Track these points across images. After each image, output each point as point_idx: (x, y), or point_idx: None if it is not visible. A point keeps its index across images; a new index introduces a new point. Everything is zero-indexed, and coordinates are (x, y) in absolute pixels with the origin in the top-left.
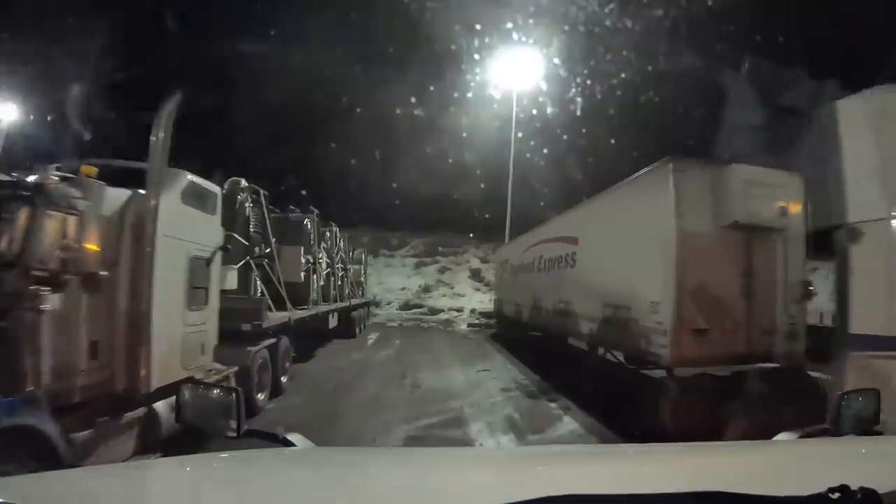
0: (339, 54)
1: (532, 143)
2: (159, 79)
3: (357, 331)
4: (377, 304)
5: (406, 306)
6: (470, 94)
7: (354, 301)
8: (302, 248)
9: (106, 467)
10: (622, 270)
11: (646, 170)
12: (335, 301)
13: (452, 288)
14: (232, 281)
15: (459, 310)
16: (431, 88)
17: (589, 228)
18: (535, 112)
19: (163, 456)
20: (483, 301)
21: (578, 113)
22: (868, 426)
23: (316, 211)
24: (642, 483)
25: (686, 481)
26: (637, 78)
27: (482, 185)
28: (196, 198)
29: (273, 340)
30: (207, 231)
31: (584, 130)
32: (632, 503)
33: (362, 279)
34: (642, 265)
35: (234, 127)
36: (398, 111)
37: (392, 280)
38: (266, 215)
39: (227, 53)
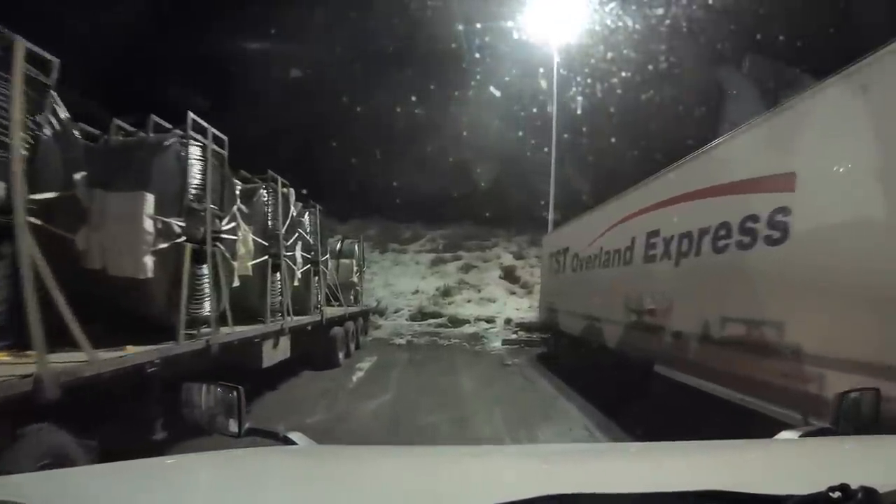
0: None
1: (574, 120)
2: (159, 77)
3: (342, 356)
4: (381, 313)
5: (419, 315)
6: (497, 63)
7: (333, 312)
8: (146, 201)
9: (106, 466)
10: None
11: None
12: (288, 315)
13: (479, 291)
14: None
15: (490, 320)
16: (451, 53)
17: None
18: (577, 83)
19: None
20: (520, 307)
21: (627, 88)
22: (868, 425)
23: (213, 132)
24: (642, 481)
25: (686, 480)
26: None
27: (514, 166)
28: None
29: None
30: None
31: (635, 108)
32: (632, 502)
33: (355, 279)
34: None
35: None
36: (415, 82)
37: (402, 282)
38: None
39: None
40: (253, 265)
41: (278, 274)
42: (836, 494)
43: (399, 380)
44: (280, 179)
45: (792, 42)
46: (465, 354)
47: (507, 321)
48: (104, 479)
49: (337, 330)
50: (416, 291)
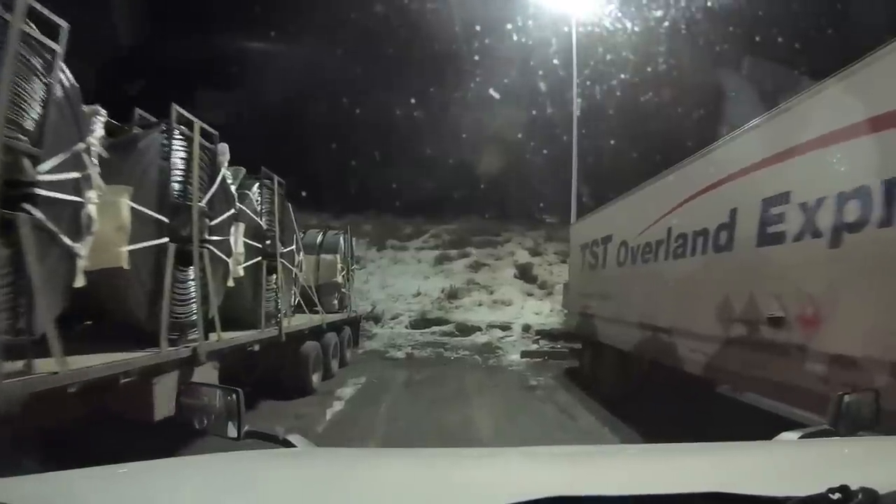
0: None
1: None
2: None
3: (317, 379)
4: (377, 320)
5: (421, 322)
6: (509, 41)
7: (301, 322)
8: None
9: (103, 469)
10: None
11: None
12: (213, 331)
13: (491, 293)
14: None
15: (505, 327)
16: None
17: None
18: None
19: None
20: (540, 311)
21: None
22: (868, 426)
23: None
24: (642, 483)
25: (686, 481)
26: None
27: (526, 153)
28: None
29: None
30: None
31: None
32: (632, 503)
33: (340, 279)
34: None
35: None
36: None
37: (402, 282)
38: None
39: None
40: (131, 251)
41: (191, 269)
42: (836, 496)
43: (389, 416)
44: (197, 123)
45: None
46: (477, 372)
47: (526, 328)
48: (100, 482)
49: (310, 346)
50: (418, 294)
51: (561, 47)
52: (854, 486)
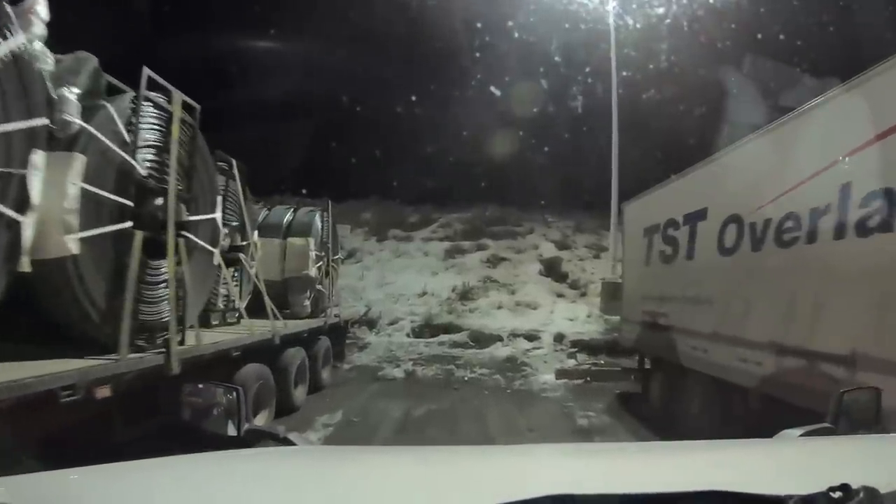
0: None
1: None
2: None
3: (263, 419)
4: (371, 325)
5: (427, 329)
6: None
7: (224, 339)
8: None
9: (100, 468)
10: None
11: None
12: None
13: (513, 293)
14: None
15: (532, 336)
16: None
17: None
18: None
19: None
20: (575, 316)
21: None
22: (869, 425)
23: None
24: (642, 482)
25: (686, 480)
26: None
27: (552, 130)
28: None
29: None
30: None
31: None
32: (632, 502)
33: (313, 272)
34: None
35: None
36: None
37: (405, 279)
38: None
39: None
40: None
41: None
42: (837, 494)
43: None
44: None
45: None
46: (501, 401)
47: (558, 338)
48: (100, 481)
49: (249, 373)
50: (424, 293)
51: (597, 17)
52: (855, 485)
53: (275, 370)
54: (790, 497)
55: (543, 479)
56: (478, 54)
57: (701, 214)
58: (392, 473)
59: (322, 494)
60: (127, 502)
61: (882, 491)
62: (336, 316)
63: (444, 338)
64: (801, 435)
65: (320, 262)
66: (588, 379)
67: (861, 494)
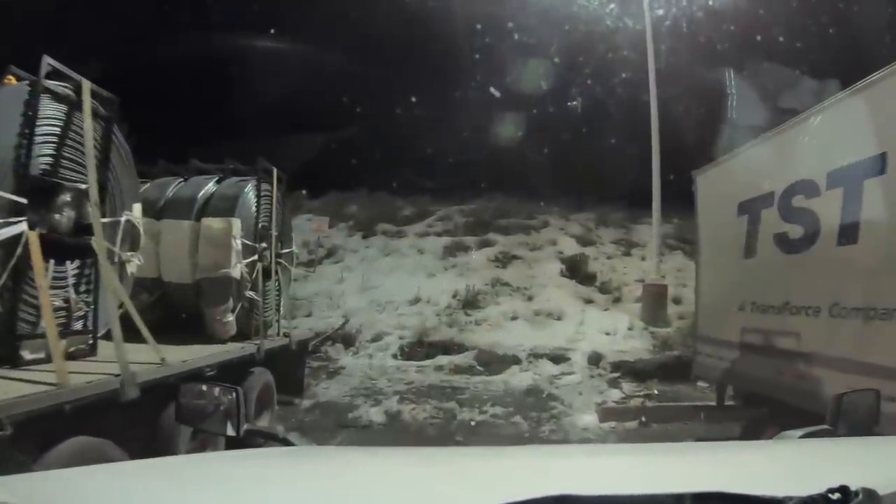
0: None
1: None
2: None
3: None
4: (348, 342)
5: (419, 348)
6: None
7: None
8: None
9: (102, 467)
10: None
11: None
12: None
13: (530, 299)
14: None
15: (559, 357)
16: None
17: None
18: None
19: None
20: (613, 329)
21: None
22: (868, 426)
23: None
24: (642, 482)
25: (686, 481)
26: None
27: (568, 109)
28: None
29: None
30: None
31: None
32: (632, 503)
33: (237, 271)
34: None
35: None
36: None
37: (394, 282)
38: None
39: None
40: None
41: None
42: (836, 495)
43: None
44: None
45: None
46: None
47: (594, 359)
48: (101, 481)
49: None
50: (417, 300)
51: None
52: (854, 486)
53: (125, 444)
54: (789, 498)
55: (542, 479)
56: (511, 26)
57: (873, 166)
58: (392, 474)
59: (321, 495)
60: (127, 502)
61: (881, 492)
62: (285, 336)
63: (442, 360)
64: (801, 436)
65: (253, 257)
66: (643, 420)
67: (860, 496)
